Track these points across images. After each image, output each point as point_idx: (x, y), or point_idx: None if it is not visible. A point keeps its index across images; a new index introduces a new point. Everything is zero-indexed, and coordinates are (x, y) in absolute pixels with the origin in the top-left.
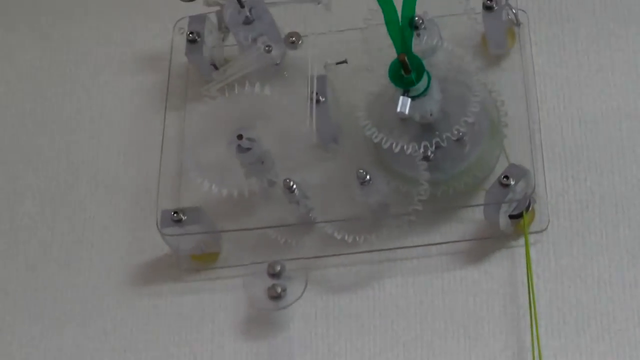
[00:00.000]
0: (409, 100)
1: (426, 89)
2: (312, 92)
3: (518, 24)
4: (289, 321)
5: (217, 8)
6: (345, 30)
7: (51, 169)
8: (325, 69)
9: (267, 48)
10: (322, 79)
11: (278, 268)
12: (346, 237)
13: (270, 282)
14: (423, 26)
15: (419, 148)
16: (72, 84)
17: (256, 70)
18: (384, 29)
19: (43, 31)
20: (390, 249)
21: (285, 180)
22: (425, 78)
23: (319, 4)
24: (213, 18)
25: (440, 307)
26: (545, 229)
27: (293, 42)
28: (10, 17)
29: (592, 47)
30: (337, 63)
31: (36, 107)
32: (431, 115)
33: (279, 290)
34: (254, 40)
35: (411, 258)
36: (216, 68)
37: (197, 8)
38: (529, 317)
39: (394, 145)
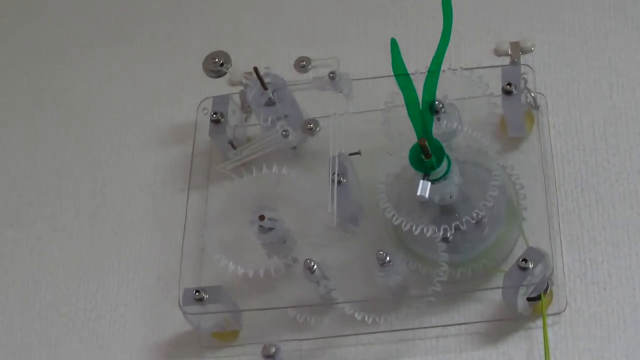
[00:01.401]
0: (429, 184)
1: (446, 173)
2: (333, 173)
3: (537, 107)
4: None
5: (242, 88)
6: (367, 112)
7: (75, 245)
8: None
9: (284, 133)
10: (343, 160)
11: (273, 350)
12: (366, 318)
13: None
14: (443, 110)
15: (439, 231)
16: (97, 161)
17: (276, 151)
18: (404, 111)
19: (68, 108)
20: (409, 329)
21: (305, 260)
22: (445, 162)
23: (340, 92)
24: (236, 98)
25: None
26: (563, 311)
27: (310, 129)
28: (34, 93)
29: (609, 131)
30: (351, 154)
31: (60, 184)
32: (451, 197)
33: None
34: (273, 122)
35: (430, 338)
36: (234, 147)
37: (221, 88)
38: None
39: (413, 227)
